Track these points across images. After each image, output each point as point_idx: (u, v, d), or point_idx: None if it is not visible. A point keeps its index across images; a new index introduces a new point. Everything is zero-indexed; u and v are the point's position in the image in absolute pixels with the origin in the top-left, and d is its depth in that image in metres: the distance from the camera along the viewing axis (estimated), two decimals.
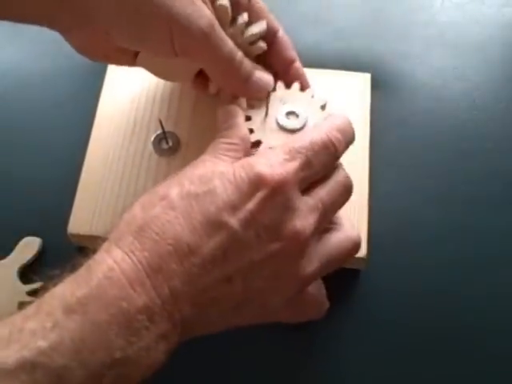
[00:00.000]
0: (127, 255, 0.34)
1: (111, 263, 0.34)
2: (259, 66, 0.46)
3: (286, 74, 0.47)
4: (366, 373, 0.44)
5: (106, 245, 0.35)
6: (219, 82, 0.45)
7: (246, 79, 0.44)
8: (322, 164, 0.39)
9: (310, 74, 0.53)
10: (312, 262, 0.38)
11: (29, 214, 0.49)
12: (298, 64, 0.47)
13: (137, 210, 0.36)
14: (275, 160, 0.37)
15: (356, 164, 0.49)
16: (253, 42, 0.45)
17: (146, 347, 0.33)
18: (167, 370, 0.35)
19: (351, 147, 0.50)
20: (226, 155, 0.39)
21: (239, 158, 0.39)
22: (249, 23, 0.45)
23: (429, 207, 0.50)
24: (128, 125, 0.51)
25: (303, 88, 0.46)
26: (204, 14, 0.40)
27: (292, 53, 0.47)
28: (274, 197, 0.36)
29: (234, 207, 0.35)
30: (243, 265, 0.36)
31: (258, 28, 0.45)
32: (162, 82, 0.52)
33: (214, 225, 0.35)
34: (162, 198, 0.36)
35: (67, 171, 0.50)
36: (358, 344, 0.45)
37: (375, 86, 0.53)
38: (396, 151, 0.52)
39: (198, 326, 0.36)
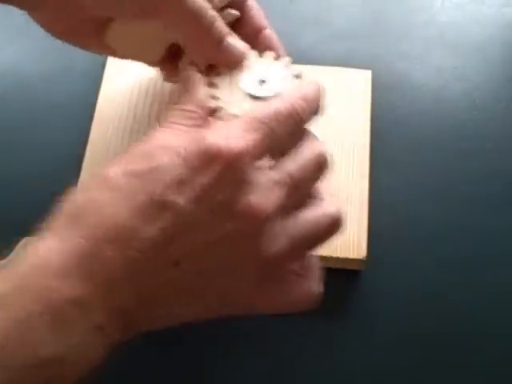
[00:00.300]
0: (59, 243, 0.31)
1: (41, 251, 0.31)
2: (234, 34, 0.43)
3: (257, 43, 0.44)
4: (365, 373, 0.43)
5: (41, 232, 0.32)
6: (189, 44, 0.42)
7: (218, 42, 0.41)
8: (287, 135, 0.35)
9: (311, 71, 0.54)
10: (277, 241, 0.34)
11: (29, 213, 0.49)
12: (269, 31, 0.45)
13: (76, 193, 0.33)
14: (233, 131, 0.33)
15: (356, 162, 0.49)
16: (223, 7, 0.43)
17: (79, 343, 0.30)
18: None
19: (352, 146, 0.50)
20: (180, 123, 0.35)
21: (197, 127, 0.35)
22: None
23: (429, 207, 0.50)
24: (127, 123, 0.51)
25: (277, 57, 0.44)
26: None
27: (262, 20, 0.45)
28: (228, 171, 0.32)
29: (181, 183, 0.32)
30: (192, 247, 0.32)
31: None
32: (160, 79, 0.52)
33: (159, 205, 0.31)
34: (101, 178, 0.33)
35: (67, 169, 0.50)
36: (358, 344, 0.44)
37: (375, 85, 0.53)
38: (396, 151, 0.52)
39: (144, 318, 0.33)
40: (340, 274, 0.46)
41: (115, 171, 0.32)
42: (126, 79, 0.53)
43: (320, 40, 0.58)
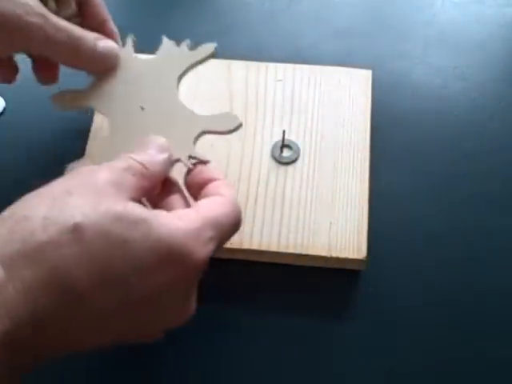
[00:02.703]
0: (13, 284, 0.31)
1: None
2: (98, 35, 0.46)
3: (100, 34, 0.47)
4: (366, 372, 0.44)
5: None
6: (69, 64, 0.46)
7: (93, 52, 0.45)
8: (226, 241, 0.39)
9: (311, 70, 0.54)
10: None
11: None
12: (111, 24, 0.48)
13: (37, 223, 0.32)
14: (203, 236, 0.35)
15: (356, 162, 0.49)
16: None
17: None
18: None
19: (352, 146, 0.50)
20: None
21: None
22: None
23: (429, 207, 0.50)
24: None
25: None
26: (32, 12, 0.42)
27: (103, 13, 0.48)
28: (186, 275, 0.35)
29: (143, 274, 0.33)
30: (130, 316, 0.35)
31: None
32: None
33: (117, 280, 0.33)
34: (74, 228, 0.32)
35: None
36: (358, 344, 0.45)
37: (375, 85, 0.53)
38: (396, 151, 0.52)
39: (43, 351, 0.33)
40: (340, 273, 0.46)
41: (92, 228, 0.32)
42: None
43: (320, 39, 0.58)
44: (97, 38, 0.46)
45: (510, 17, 0.59)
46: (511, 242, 0.48)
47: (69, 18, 0.46)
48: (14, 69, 0.48)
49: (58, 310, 0.31)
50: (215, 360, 0.44)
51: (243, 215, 0.46)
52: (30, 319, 0.31)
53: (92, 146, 0.50)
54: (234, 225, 0.38)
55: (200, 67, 0.54)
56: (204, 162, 0.42)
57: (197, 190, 0.41)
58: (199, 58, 0.48)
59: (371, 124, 0.51)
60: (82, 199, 0.33)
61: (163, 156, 0.40)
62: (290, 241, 0.46)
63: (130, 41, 0.49)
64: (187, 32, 0.59)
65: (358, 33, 0.59)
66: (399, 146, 0.52)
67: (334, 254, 0.45)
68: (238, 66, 0.54)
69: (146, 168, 0.38)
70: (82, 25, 0.47)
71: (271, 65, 0.54)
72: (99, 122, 0.51)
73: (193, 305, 0.37)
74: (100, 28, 0.48)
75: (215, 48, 0.48)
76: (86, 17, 0.48)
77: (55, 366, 0.35)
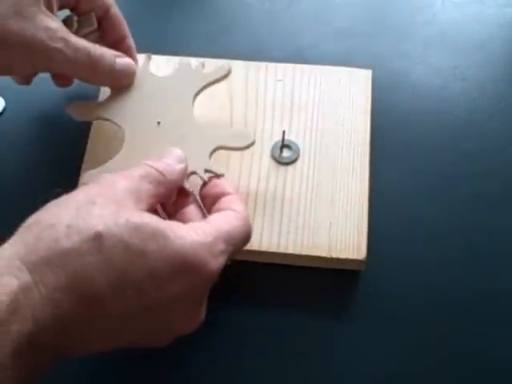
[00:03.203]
0: (38, 289, 0.32)
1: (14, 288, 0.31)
2: (117, 52, 0.48)
3: (118, 50, 0.49)
4: (366, 373, 0.44)
5: (16, 262, 0.33)
6: (87, 81, 0.49)
7: (111, 70, 0.47)
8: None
9: (312, 70, 0.54)
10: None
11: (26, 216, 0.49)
12: (129, 40, 0.50)
13: (62, 231, 0.34)
14: (215, 249, 0.37)
15: (356, 162, 0.49)
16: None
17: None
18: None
19: (352, 145, 0.50)
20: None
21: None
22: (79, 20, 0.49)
23: (429, 207, 0.50)
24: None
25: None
26: (55, 36, 0.44)
27: (123, 29, 0.50)
28: (198, 285, 0.37)
29: (158, 283, 0.35)
30: (143, 329, 0.36)
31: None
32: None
33: (134, 288, 0.34)
34: (96, 237, 0.34)
35: (66, 170, 0.50)
36: (358, 344, 0.45)
37: (375, 85, 0.53)
38: (396, 151, 0.52)
39: (61, 347, 0.34)
40: (340, 274, 0.46)
41: (111, 237, 0.34)
42: None
43: (320, 39, 0.58)
44: (116, 55, 0.48)
45: (510, 17, 0.59)
46: (511, 242, 0.48)
47: (89, 34, 0.49)
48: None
49: (79, 313, 0.33)
50: (215, 360, 0.44)
51: None
52: (53, 322, 0.32)
53: (91, 149, 0.50)
54: (244, 238, 0.40)
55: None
56: (219, 176, 0.44)
57: (211, 202, 0.43)
58: (214, 78, 0.49)
59: (371, 124, 0.51)
60: (104, 209, 0.35)
61: (180, 166, 0.41)
62: (289, 241, 0.46)
63: (146, 58, 0.50)
64: (187, 32, 0.59)
65: (358, 33, 0.59)
66: (399, 146, 0.52)
67: (334, 255, 0.45)
68: (238, 66, 0.54)
69: (163, 175, 0.40)
70: (102, 39, 0.49)
71: (271, 65, 0.54)
72: (99, 123, 0.51)
73: (203, 313, 0.39)
74: (119, 43, 0.50)
75: (229, 69, 0.49)
76: (105, 32, 0.50)
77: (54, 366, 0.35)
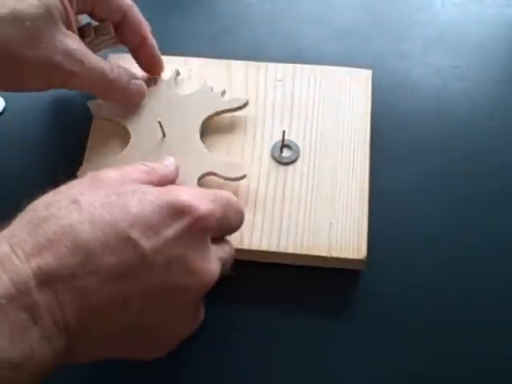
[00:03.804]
0: (15, 253, 0.32)
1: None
2: (132, 72, 0.50)
3: (139, 52, 0.50)
4: (366, 373, 0.44)
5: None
6: (102, 98, 0.50)
7: (123, 91, 0.48)
8: (229, 225, 0.40)
9: (312, 70, 0.54)
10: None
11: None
12: (150, 42, 0.50)
13: (40, 207, 0.34)
14: (202, 195, 0.37)
15: (356, 162, 0.49)
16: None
17: (29, 348, 0.31)
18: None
19: (352, 145, 0.50)
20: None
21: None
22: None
23: (429, 207, 0.50)
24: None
25: (154, 69, 0.52)
26: (74, 55, 0.44)
27: (143, 32, 0.50)
28: (194, 229, 0.36)
29: (149, 229, 0.34)
30: (145, 289, 0.34)
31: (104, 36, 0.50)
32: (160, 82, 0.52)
33: (122, 240, 0.33)
34: (72, 201, 0.34)
35: (67, 170, 0.50)
36: (358, 344, 0.45)
37: (375, 85, 0.53)
38: (396, 151, 0.52)
39: (80, 344, 0.33)
40: (340, 273, 0.46)
41: (89, 200, 0.34)
42: None
43: (320, 39, 0.58)
44: (131, 76, 0.49)
45: (510, 17, 0.59)
46: (511, 242, 0.48)
47: (106, 41, 0.50)
48: None
49: (71, 265, 0.32)
50: (215, 360, 0.44)
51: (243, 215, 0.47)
52: (37, 276, 0.32)
53: (91, 149, 0.50)
54: (238, 211, 0.40)
55: (200, 67, 0.54)
56: None
57: None
58: (228, 107, 0.51)
59: (371, 124, 0.51)
60: (92, 195, 0.35)
61: (173, 166, 0.41)
62: (289, 241, 0.46)
63: (174, 73, 0.53)
64: (187, 32, 0.59)
65: (358, 33, 0.59)
66: (399, 146, 0.52)
67: (334, 254, 0.45)
68: (238, 66, 0.54)
69: (154, 169, 0.39)
70: (121, 42, 0.50)
71: (271, 65, 0.54)
72: (99, 123, 0.51)
73: (202, 314, 0.39)
74: (140, 46, 0.50)
75: (246, 102, 0.51)
76: (124, 35, 0.50)
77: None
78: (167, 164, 0.41)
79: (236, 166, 0.48)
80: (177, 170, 0.42)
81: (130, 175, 0.38)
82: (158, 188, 0.37)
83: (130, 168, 0.38)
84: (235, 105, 0.51)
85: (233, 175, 0.47)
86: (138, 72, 0.51)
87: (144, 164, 0.40)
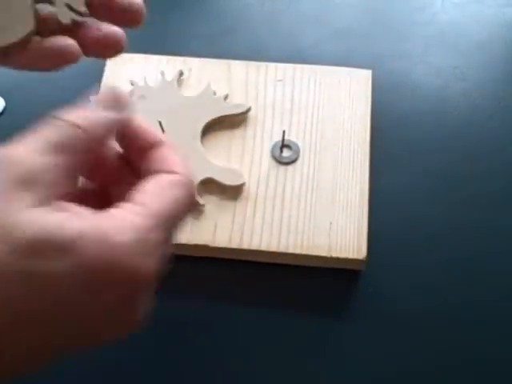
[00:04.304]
0: None
1: None
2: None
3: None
4: (366, 372, 0.44)
5: None
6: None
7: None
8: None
9: (312, 70, 0.54)
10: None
11: None
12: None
13: None
14: (152, 242, 0.27)
15: (356, 162, 0.49)
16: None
17: None
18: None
19: (352, 146, 0.50)
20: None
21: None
22: None
23: (429, 207, 0.50)
24: None
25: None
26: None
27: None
28: (133, 292, 0.28)
29: (78, 309, 0.26)
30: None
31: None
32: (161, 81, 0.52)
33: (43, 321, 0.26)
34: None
35: None
36: (358, 344, 0.45)
37: (375, 85, 0.53)
38: (396, 151, 0.52)
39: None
40: (340, 273, 0.46)
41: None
42: (125, 79, 0.53)
43: (320, 40, 0.58)
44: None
45: (510, 17, 0.59)
46: (511, 242, 0.48)
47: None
48: None
49: None
50: (215, 359, 0.44)
51: (243, 215, 0.47)
52: None
53: None
54: (187, 210, 0.30)
55: (200, 67, 0.54)
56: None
57: (138, 159, 0.32)
58: (230, 112, 0.51)
59: (371, 124, 0.51)
60: None
61: (107, 115, 0.30)
62: (290, 241, 0.46)
63: (178, 74, 0.52)
64: (187, 32, 0.59)
65: (357, 33, 0.59)
66: (399, 146, 0.52)
67: (334, 254, 0.45)
68: (238, 66, 0.54)
69: (83, 131, 0.29)
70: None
71: (271, 65, 0.54)
72: None
73: (139, 315, 0.30)
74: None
75: (249, 108, 0.51)
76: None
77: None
78: (92, 111, 0.31)
79: (235, 173, 0.48)
80: (113, 110, 0.31)
81: (41, 180, 0.27)
82: (89, 243, 0.26)
83: (41, 157, 0.27)
84: (237, 110, 0.51)
85: (232, 182, 0.48)
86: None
87: (62, 119, 0.30)
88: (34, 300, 0.25)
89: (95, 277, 0.26)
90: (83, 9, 0.37)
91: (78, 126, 0.29)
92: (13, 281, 0.25)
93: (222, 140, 0.51)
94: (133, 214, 0.28)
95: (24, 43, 0.34)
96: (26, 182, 0.26)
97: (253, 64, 0.54)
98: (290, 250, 0.46)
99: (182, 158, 0.32)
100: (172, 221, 0.29)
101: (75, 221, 0.26)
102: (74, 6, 0.38)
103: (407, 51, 0.57)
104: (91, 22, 0.36)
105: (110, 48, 0.35)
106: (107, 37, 0.35)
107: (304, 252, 0.46)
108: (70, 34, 0.35)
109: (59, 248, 0.25)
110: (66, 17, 0.37)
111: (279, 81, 0.54)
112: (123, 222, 0.27)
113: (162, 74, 0.52)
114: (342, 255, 0.45)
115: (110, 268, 0.26)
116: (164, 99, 0.51)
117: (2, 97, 0.55)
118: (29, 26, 0.35)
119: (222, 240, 0.46)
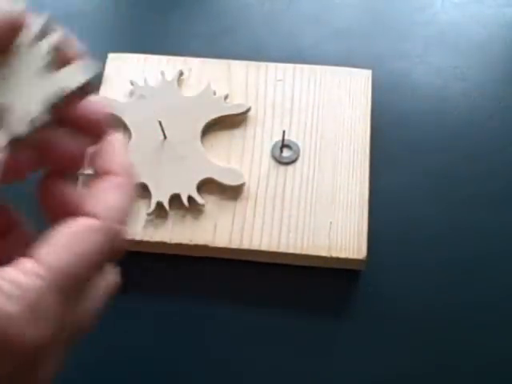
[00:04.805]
0: None
1: None
2: None
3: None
4: (366, 373, 0.44)
5: None
6: None
7: None
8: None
9: (312, 70, 0.54)
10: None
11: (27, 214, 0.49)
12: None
13: None
14: (43, 306, 0.23)
15: (356, 162, 0.49)
16: None
17: None
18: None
19: (352, 146, 0.50)
20: None
21: None
22: None
23: (429, 207, 0.50)
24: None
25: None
26: None
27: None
28: (24, 365, 0.23)
29: None
30: None
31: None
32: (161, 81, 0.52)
33: None
34: None
35: None
36: (358, 344, 0.45)
37: (375, 85, 0.53)
38: (396, 151, 0.52)
39: None
40: (340, 273, 0.46)
41: None
42: (125, 79, 0.53)
43: (320, 40, 0.58)
44: None
45: (510, 17, 0.59)
46: (511, 242, 0.48)
47: None
48: None
49: None
50: (215, 359, 0.44)
51: (243, 215, 0.47)
52: None
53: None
54: (103, 264, 0.26)
55: (200, 67, 0.54)
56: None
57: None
58: (230, 112, 0.51)
59: (371, 124, 0.51)
60: None
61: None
62: (290, 241, 0.46)
63: (178, 74, 0.52)
64: (187, 32, 0.59)
65: (357, 33, 0.59)
66: (399, 146, 0.52)
67: (334, 254, 0.45)
68: (238, 66, 0.54)
69: None
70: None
71: (271, 65, 0.54)
72: None
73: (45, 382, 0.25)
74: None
75: (249, 108, 0.51)
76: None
77: None
78: None
79: (235, 173, 0.48)
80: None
81: None
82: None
83: None
84: (237, 110, 0.51)
85: (232, 182, 0.48)
86: None
87: None
88: None
89: None
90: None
91: None
92: None
93: (222, 140, 0.51)
94: (23, 273, 0.23)
95: None
96: None
97: (253, 64, 0.54)
98: (290, 250, 0.46)
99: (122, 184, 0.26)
100: (75, 279, 0.24)
101: None
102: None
103: (407, 51, 0.57)
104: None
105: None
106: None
107: (304, 252, 0.46)
108: None
109: None
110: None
111: (279, 81, 0.54)
112: (10, 285, 0.22)
113: (162, 73, 0.52)
114: (342, 255, 0.45)
115: None
116: (164, 99, 0.51)
117: None
118: None
119: (221, 240, 0.46)
